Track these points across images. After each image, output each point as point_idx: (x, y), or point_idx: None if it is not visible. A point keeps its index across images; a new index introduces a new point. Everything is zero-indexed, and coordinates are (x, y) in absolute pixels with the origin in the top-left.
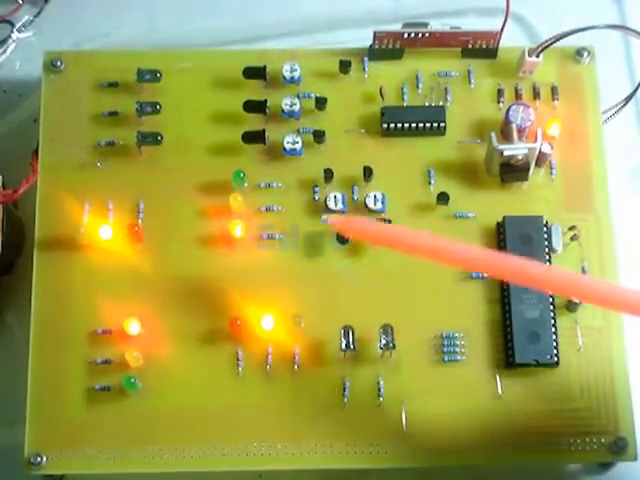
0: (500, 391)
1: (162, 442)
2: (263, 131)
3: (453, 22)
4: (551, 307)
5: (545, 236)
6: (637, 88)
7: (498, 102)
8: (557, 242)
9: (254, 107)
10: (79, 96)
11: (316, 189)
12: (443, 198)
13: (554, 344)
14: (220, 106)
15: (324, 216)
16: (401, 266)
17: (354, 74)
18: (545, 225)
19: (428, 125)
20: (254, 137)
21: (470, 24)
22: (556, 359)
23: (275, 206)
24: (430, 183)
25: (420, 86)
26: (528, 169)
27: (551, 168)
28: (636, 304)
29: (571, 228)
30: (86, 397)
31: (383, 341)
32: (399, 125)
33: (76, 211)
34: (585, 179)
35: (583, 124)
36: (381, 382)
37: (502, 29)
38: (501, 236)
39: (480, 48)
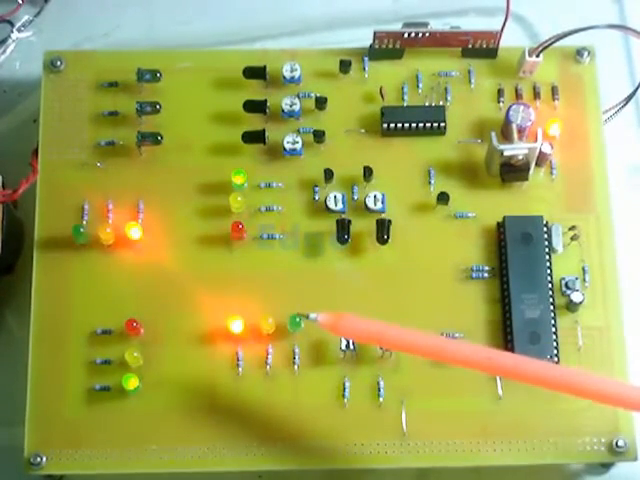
0: (500, 391)
1: (162, 442)
2: (263, 131)
3: (453, 22)
4: (551, 307)
5: (545, 236)
6: (637, 88)
7: (498, 102)
8: (557, 242)
9: (254, 107)
10: (79, 96)
11: (316, 189)
12: (443, 198)
13: (554, 344)
14: (220, 106)
15: (312, 315)
16: (401, 266)
17: (354, 74)
18: (545, 225)
19: (428, 125)
20: (254, 137)
21: (470, 24)
22: (556, 359)
23: (275, 206)
24: (430, 183)
25: (420, 86)
26: (528, 169)
27: (551, 168)
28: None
29: (571, 228)
30: (86, 397)
31: None
32: (399, 125)
33: (76, 211)
34: (585, 179)
35: (583, 124)
36: (381, 382)
37: (502, 29)
38: (501, 236)
39: (480, 48)
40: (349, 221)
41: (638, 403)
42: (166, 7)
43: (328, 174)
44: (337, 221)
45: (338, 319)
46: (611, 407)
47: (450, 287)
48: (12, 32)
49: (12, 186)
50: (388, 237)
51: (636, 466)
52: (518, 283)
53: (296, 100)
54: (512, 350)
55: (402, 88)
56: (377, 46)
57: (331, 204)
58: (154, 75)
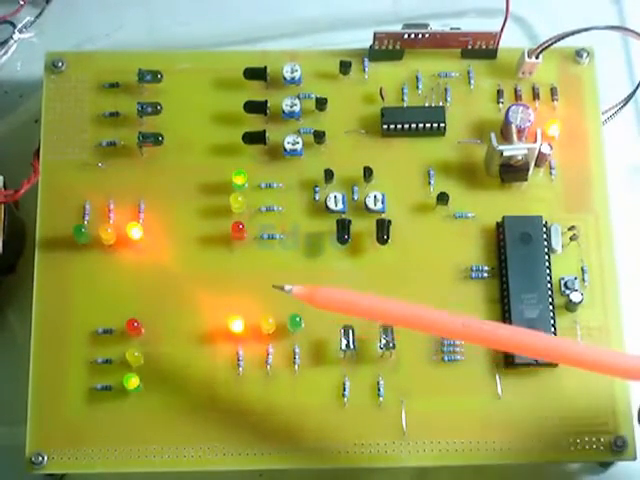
0: (500, 391)
1: (163, 442)
2: (264, 132)
3: (453, 23)
4: (551, 307)
5: (544, 236)
6: (636, 89)
7: (498, 103)
8: (556, 242)
9: (255, 108)
10: (80, 97)
11: (316, 189)
12: (443, 198)
13: None
14: (221, 107)
15: (287, 286)
16: (401, 266)
17: (354, 75)
18: (544, 225)
19: (428, 125)
20: (255, 138)
21: (470, 25)
22: None
23: (275, 206)
24: (430, 183)
25: (420, 87)
26: (528, 169)
27: (551, 168)
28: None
29: (570, 228)
30: (87, 397)
31: (383, 341)
32: (399, 125)
33: (77, 211)
34: (584, 179)
35: (582, 124)
36: (381, 382)
37: (502, 30)
38: (501, 236)
39: (480, 49)
40: (349, 221)
41: (611, 368)
42: (167, 8)
43: (328, 174)
44: (337, 221)
45: (313, 290)
46: (611, 406)
47: (450, 287)
48: (14, 33)
49: (14, 186)
50: (388, 237)
51: (635, 465)
52: (517, 283)
53: (296, 101)
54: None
55: (402, 89)
56: (377, 47)
57: (331, 204)
58: (155, 76)
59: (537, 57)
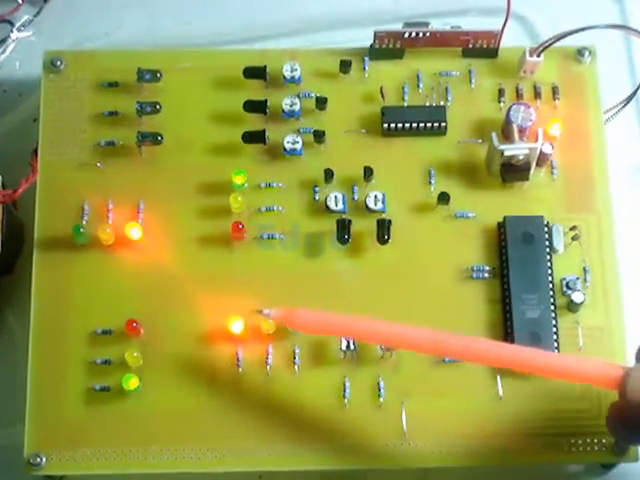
0: (501, 392)
1: (162, 442)
2: (263, 131)
3: (454, 22)
4: (552, 307)
5: (546, 236)
6: (638, 88)
7: (499, 102)
8: (558, 242)
9: (254, 107)
10: (79, 96)
11: (316, 189)
12: (444, 198)
13: (555, 344)
14: (220, 106)
15: (266, 310)
16: (401, 266)
17: (354, 74)
18: (546, 225)
19: (429, 125)
20: (254, 137)
21: (471, 24)
22: None
23: (275, 206)
24: (430, 183)
25: (421, 86)
26: (529, 169)
27: (552, 168)
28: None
29: (572, 228)
30: (86, 397)
31: None
32: (399, 125)
33: (76, 211)
34: (586, 179)
35: (584, 124)
36: (381, 382)
37: (503, 29)
38: (502, 236)
39: (481, 48)
40: (349, 221)
41: (584, 379)
42: (166, 7)
43: (328, 174)
44: (337, 221)
45: (291, 313)
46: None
47: (450, 287)
48: (12, 32)
49: (12, 186)
50: (388, 237)
51: (637, 467)
52: (519, 283)
53: (296, 100)
54: None
55: (402, 88)
56: (377, 46)
57: (331, 204)
58: (154, 75)
59: (538, 56)
